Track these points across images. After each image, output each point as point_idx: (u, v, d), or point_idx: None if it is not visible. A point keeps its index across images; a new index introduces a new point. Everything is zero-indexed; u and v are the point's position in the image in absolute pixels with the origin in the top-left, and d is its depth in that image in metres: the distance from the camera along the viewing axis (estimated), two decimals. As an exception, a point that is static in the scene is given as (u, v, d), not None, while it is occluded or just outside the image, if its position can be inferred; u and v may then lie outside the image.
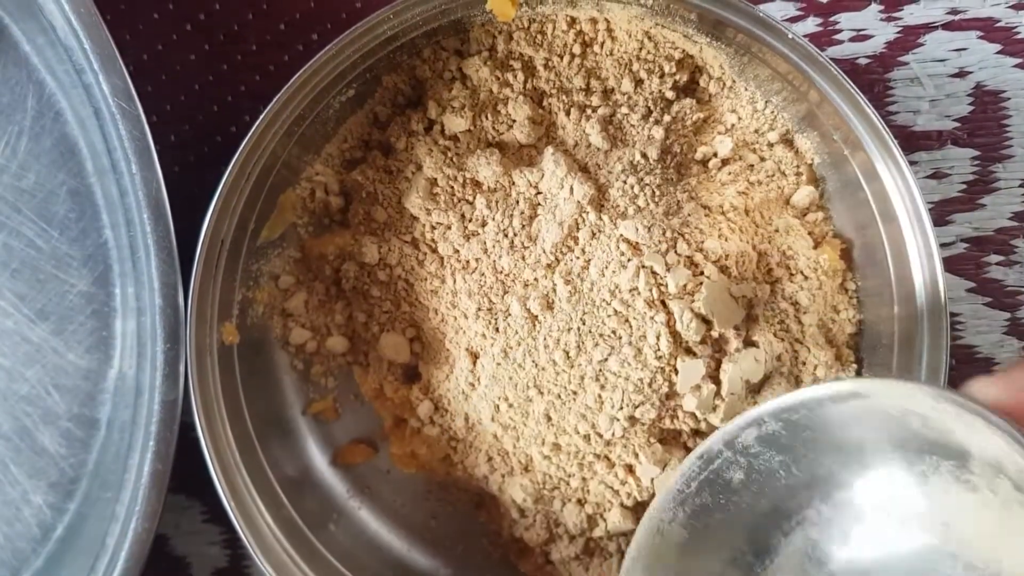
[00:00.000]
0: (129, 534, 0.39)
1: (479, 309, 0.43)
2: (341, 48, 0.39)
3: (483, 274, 0.43)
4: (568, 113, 0.44)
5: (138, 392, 0.41)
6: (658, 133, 0.43)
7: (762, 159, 0.45)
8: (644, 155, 0.43)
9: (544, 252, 0.42)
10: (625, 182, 0.42)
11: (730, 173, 0.44)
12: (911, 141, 0.47)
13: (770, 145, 0.45)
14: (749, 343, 0.42)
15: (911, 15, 0.46)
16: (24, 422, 0.46)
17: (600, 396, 0.41)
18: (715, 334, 0.41)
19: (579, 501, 0.44)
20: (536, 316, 0.42)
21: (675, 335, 0.41)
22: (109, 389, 0.47)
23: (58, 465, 0.46)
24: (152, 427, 0.39)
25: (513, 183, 0.43)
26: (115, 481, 0.41)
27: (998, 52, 0.46)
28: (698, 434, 0.43)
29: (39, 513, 0.46)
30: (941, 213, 0.47)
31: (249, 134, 0.38)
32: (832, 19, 0.47)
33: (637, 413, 0.41)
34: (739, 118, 0.44)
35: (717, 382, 0.42)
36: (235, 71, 0.48)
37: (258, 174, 0.41)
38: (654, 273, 0.41)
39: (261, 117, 0.38)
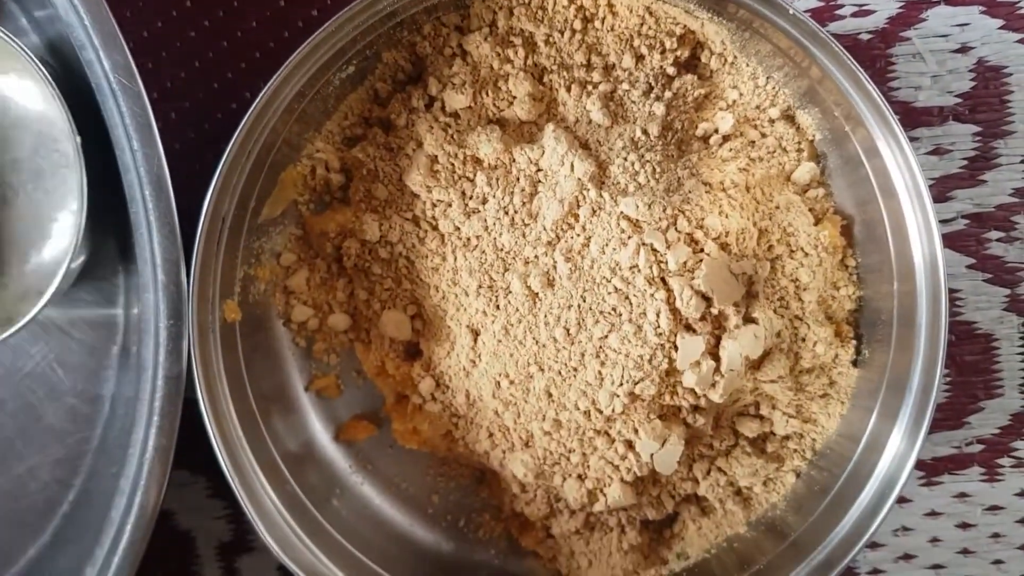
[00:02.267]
0: (134, 509, 0.39)
1: (480, 286, 0.43)
2: (341, 24, 0.39)
3: (484, 251, 0.43)
4: (569, 89, 0.43)
5: (142, 368, 0.41)
6: (659, 109, 0.43)
7: (763, 135, 0.45)
8: (645, 131, 0.43)
9: (545, 229, 0.42)
10: (626, 159, 0.42)
11: (731, 149, 0.44)
12: (912, 117, 0.46)
13: (771, 121, 0.44)
14: (749, 320, 0.42)
15: (913, -10, 0.46)
16: (29, 399, 0.46)
17: (600, 372, 0.42)
18: (715, 311, 0.41)
19: (579, 476, 0.45)
20: (537, 293, 0.42)
21: (675, 312, 0.41)
22: (113, 365, 0.47)
23: (63, 441, 0.47)
24: (156, 403, 0.39)
25: (514, 160, 0.43)
26: (120, 456, 0.41)
27: (1000, 27, 0.46)
28: (697, 410, 0.43)
29: (45, 489, 0.47)
30: (942, 189, 0.47)
31: (249, 111, 0.38)
32: (834, -6, 0.46)
33: (637, 389, 0.41)
34: (740, 94, 0.44)
35: (717, 359, 0.42)
36: (235, 48, 0.47)
37: (259, 151, 0.41)
38: (654, 250, 0.41)
39: (261, 94, 0.38)
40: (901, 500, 0.49)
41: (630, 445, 0.43)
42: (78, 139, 0.40)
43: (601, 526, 0.47)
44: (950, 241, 0.47)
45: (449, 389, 0.46)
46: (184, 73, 0.48)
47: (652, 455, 0.43)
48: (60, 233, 0.44)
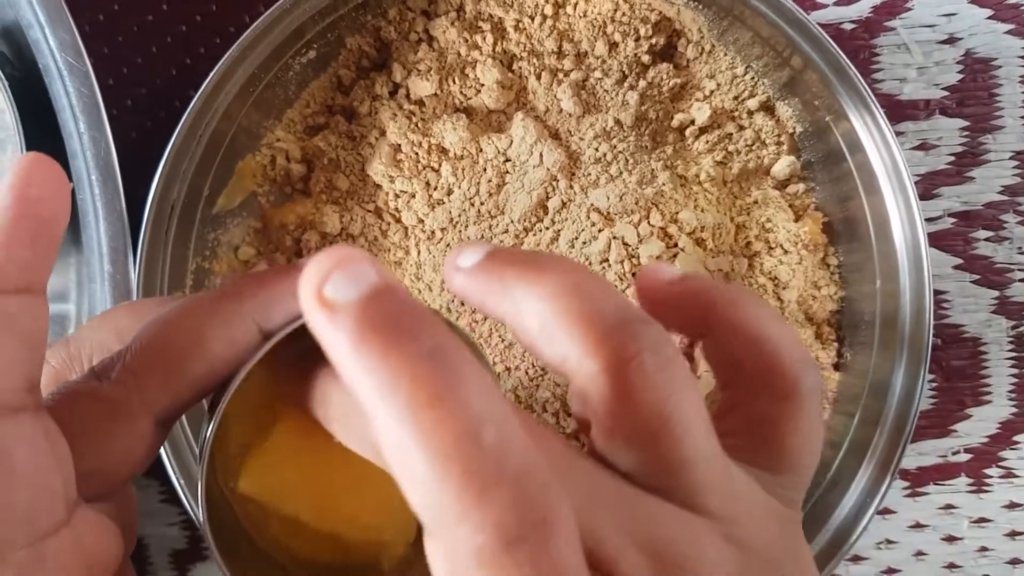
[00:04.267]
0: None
1: (444, 280, 0.41)
2: (296, 2, 0.37)
3: (448, 245, 0.41)
4: (539, 77, 0.42)
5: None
6: (632, 99, 0.41)
7: (741, 128, 0.43)
8: (618, 121, 0.41)
9: (513, 222, 0.40)
10: (597, 149, 0.40)
11: (707, 142, 0.42)
12: (897, 110, 0.45)
13: (750, 113, 0.43)
14: (725, 319, 0.40)
15: (899, -21, 0.44)
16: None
17: (568, 372, 0.40)
18: (689, 308, 0.40)
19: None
20: (503, 289, 0.40)
21: (647, 309, 0.39)
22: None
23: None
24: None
25: (480, 150, 0.41)
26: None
27: (989, 17, 0.44)
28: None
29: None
30: (928, 186, 0.45)
31: (198, 94, 0.37)
32: (817, -18, 0.45)
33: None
34: (718, 84, 0.43)
35: (691, 359, 0.40)
36: (193, 33, 0.46)
37: (211, 137, 0.39)
38: (626, 244, 0.39)
39: (210, 76, 0.37)
40: (884, 512, 0.48)
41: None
42: (19, 123, 0.38)
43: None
44: (936, 240, 0.45)
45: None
46: (141, 59, 0.46)
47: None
48: None
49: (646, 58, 0.42)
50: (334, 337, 0.16)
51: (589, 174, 0.40)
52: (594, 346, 0.19)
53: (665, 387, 0.19)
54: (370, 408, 0.16)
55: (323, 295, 0.16)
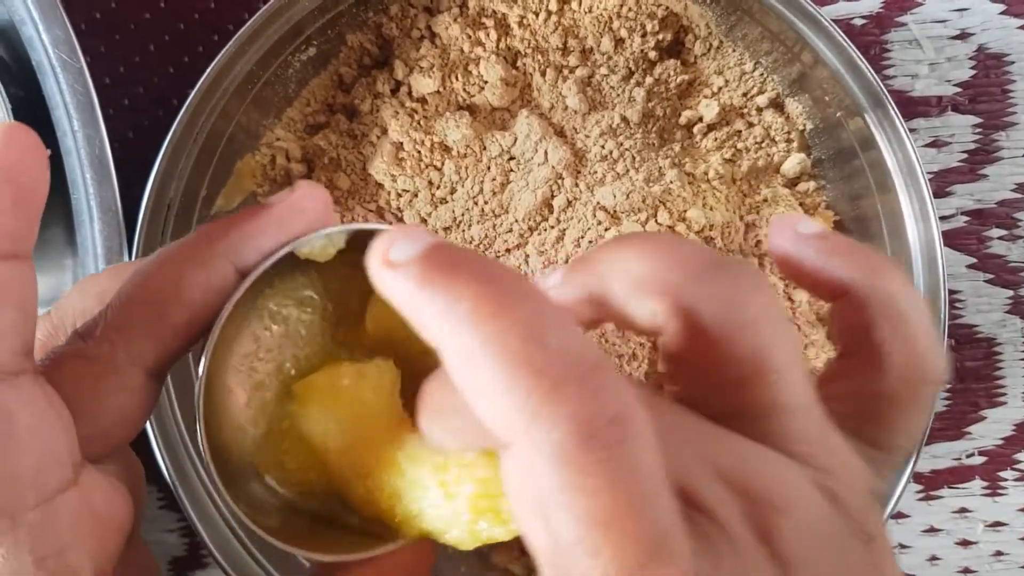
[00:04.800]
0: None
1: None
2: (294, -2, 0.36)
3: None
4: (544, 74, 0.41)
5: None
6: (639, 95, 0.40)
7: (750, 124, 0.42)
8: (624, 118, 0.40)
9: (517, 221, 0.40)
10: (603, 147, 0.40)
11: (716, 139, 0.42)
12: (909, 107, 0.44)
13: (759, 110, 0.42)
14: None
15: (910, -27, 0.44)
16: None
17: (575, 375, 0.39)
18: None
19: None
20: (508, 290, 0.39)
21: (655, 310, 0.38)
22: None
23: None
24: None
25: (484, 148, 0.40)
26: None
27: (1002, 13, 0.43)
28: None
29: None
30: (940, 184, 0.45)
31: (194, 91, 0.36)
32: (826, -23, 0.44)
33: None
34: (726, 81, 0.42)
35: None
36: (191, 30, 0.45)
37: (209, 135, 0.38)
38: (633, 243, 0.38)
39: (206, 73, 0.36)
40: (898, 516, 0.47)
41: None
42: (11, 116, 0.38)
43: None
44: (949, 239, 0.45)
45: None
46: (138, 57, 0.45)
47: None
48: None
49: (653, 54, 0.41)
50: (402, 287, 0.17)
51: (595, 172, 0.40)
52: (688, 293, 0.19)
53: (762, 328, 0.18)
54: (437, 335, 0.17)
55: (389, 259, 0.18)
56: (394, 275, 0.17)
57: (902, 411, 0.21)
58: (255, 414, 0.25)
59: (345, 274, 0.25)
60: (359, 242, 0.23)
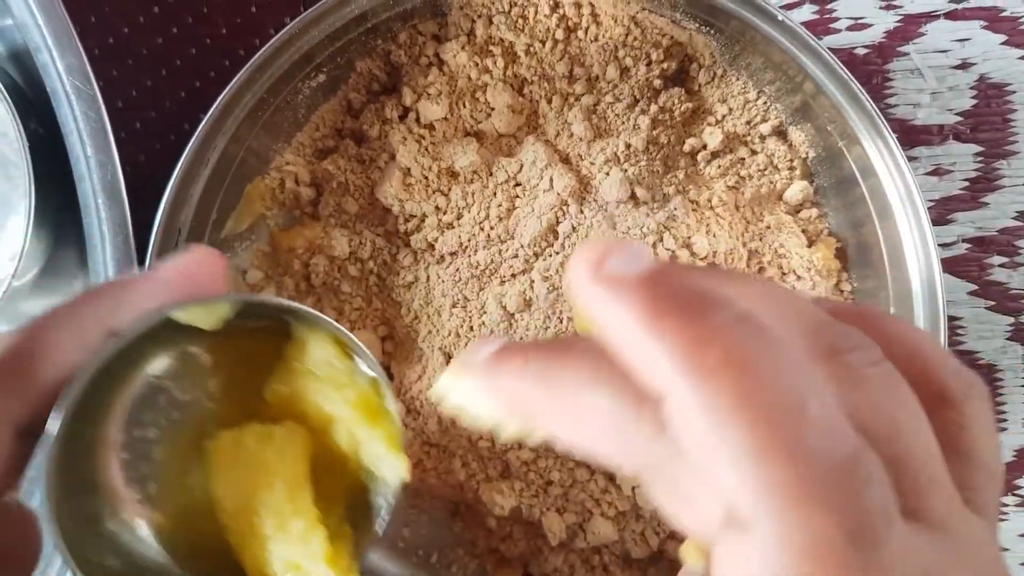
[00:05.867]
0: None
1: (454, 305, 0.41)
2: (306, 26, 0.37)
3: (458, 269, 0.41)
4: (550, 101, 0.41)
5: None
6: (644, 123, 0.41)
7: (753, 152, 0.42)
8: (629, 146, 0.41)
9: (523, 246, 0.40)
10: (608, 174, 0.40)
11: (719, 167, 0.42)
12: (911, 135, 0.44)
13: (762, 138, 0.42)
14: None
15: (912, 3, 0.44)
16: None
17: (579, 399, 0.39)
18: (701, 335, 0.39)
19: (559, 510, 0.42)
20: (513, 314, 0.40)
21: (659, 336, 0.39)
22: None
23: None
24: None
25: (491, 174, 0.41)
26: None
27: (1003, 43, 0.44)
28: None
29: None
30: (942, 212, 0.45)
31: (206, 117, 0.36)
32: (829, 7, 0.45)
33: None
34: (730, 109, 0.42)
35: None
36: (203, 56, 0.46)
37: (220, 160, 0.39)
38: (637, 270, 0.39)
39: (219, 99, 0.36)
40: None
41: (611, 477, 0.41)
42: (26, 144, 0.38)
43: (584, 563, 0.44)
44: (950, 266, 0.45)
45: (420, 415, 0.43)
46: (150, 82, 0.46)
47: (633, 488, 0.40)
48: (9, 244, 0.42)
49: (658, 83, 0.41)
50: (622, 309, 0.15)
51: (600, 199, 0.40)
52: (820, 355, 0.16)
53: (885, 391, 0.16)
54: (664, 380, 0.14)
55: (605, 270, 0.15)
56: (606, 293, 0.15)
57: (964, 432, 0.18)
58: (148, 471, 0.24)
59: (245, 342, 0.25)
60: (259, 312, 0.24)
